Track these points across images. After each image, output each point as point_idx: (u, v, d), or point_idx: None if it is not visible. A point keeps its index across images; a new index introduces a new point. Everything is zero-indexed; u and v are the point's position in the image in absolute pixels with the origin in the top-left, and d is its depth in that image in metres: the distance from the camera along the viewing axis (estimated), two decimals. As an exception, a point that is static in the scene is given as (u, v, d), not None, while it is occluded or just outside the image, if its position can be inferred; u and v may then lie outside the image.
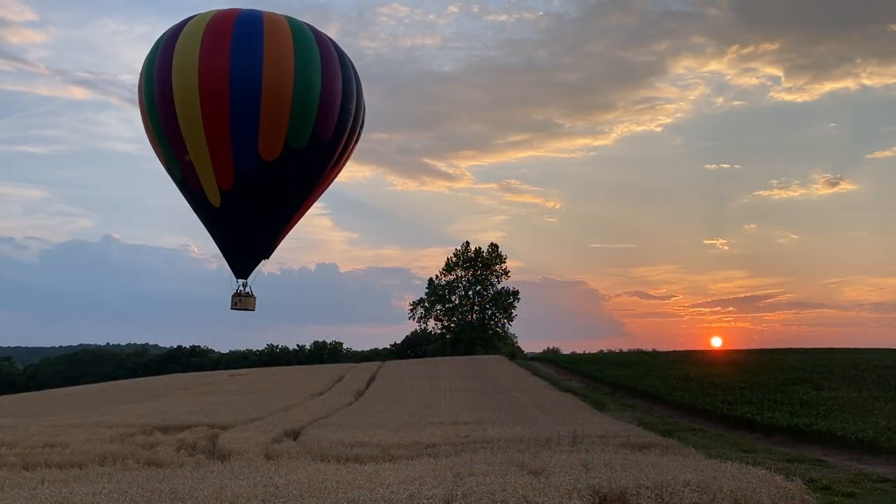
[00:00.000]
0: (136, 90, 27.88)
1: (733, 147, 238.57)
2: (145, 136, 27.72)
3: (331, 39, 27.45)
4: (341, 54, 27.40)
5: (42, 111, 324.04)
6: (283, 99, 25.18)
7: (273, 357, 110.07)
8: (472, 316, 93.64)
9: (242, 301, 28.48)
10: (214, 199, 26.85)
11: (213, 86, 24.71)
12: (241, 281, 28.65)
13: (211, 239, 28.72)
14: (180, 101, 25.13)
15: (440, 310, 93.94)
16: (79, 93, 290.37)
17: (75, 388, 67.77)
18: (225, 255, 28.73)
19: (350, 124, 27.57)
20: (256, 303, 28.86)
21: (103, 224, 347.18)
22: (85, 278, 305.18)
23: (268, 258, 29.23)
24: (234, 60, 24.76)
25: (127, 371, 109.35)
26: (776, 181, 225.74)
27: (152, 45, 26.89)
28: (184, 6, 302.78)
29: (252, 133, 25.24)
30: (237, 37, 25.11)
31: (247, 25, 25.40)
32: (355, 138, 28.81)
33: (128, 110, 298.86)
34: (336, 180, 29.70)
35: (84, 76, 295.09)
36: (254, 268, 28.94)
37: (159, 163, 27.95)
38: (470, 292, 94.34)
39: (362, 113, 28.72)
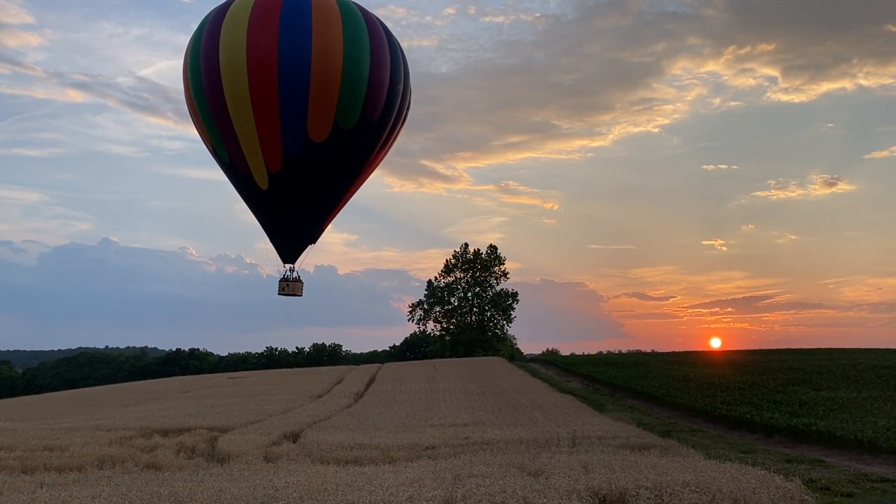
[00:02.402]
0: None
1: (731, 148, 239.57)
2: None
3: (378, 18, 26.79)
4: (388, 33, 26.72)
5: (39, 114, 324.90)
6: (333, 77, 24.51)
7: (272, 359, 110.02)
8: (471, 318, 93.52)
9: (290, 286, 28.10)
10: (262, 182, 26.22)
11: (261, 64, 24.09)
12: (288, 266, 28.23)
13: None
14: (228, 80, 24.50)
15: (439, 311, 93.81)
16: (76, 95, 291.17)
17: (74, 391, 67.72)
18: (272, 240, 28.18)
19: (398, 105, 26.91)
20: (304, 288, 28.39)
21: (101, 227, 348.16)
22: (83, 281, 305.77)
23: (314, 243, 28.67)
24: (283, 37, 24.12)
25: (126, 374, 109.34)
26: (774, 182, 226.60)
27: (198, 25, 26.36)
28: (181, 8, 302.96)
29: (301, 113, 24.64)
30: (286, 14, 24.45)
31: (295, 2, 24.81)
32: (402, 120, 28.15)
33: (125, 113, 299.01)
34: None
35: (81, 79, 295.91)
36: (301, 252, 28.40)
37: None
38: (469, 294, 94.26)
39: (409, 94, 28.06)
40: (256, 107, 24.52)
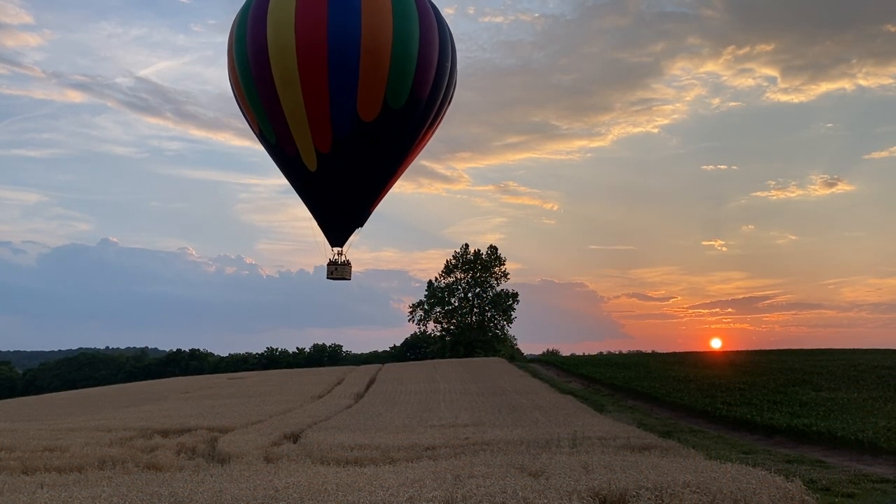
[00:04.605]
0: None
1: (730, 148, 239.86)
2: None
3: None
4: (436, 11, 26.22)
5: (39, 115, 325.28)
6: (383, 55, 23.97)
7: (272, 360, 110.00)
8: (471, 318, 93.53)
9: (339, 270, 27.87)
10: (311, 164, 25.72)
11: (310, 42, 23.56)
12: (336, 249, 27.97)
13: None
14: (276, 60, 23.97)
15: (439, 312, 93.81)
16: (75, 96, 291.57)
17: (75, 391, 67.69)
18: (319, 223, 27.79)
19: (445, 84, 26.41)
20: (352, 272, 28.18)
21: (101, 227, 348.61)
22: (83, 282, 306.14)
23: (362, 226, 28.28)
24: (332, 15, 23.61)
25: (126, 375, 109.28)
26: (773, 182, 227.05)
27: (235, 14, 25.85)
28: (180, 9, 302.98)
29: (351, 92, 24.12)
30: None
31: None
32: (449, 99, 27.64)
33: (125, 113, 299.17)
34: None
35: (80, 79, 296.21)
36: (349, 235, 28.01)
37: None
38: (469, 294, 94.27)
39: (455, 73, 27.54)
40: (306, 86, 24.01)
